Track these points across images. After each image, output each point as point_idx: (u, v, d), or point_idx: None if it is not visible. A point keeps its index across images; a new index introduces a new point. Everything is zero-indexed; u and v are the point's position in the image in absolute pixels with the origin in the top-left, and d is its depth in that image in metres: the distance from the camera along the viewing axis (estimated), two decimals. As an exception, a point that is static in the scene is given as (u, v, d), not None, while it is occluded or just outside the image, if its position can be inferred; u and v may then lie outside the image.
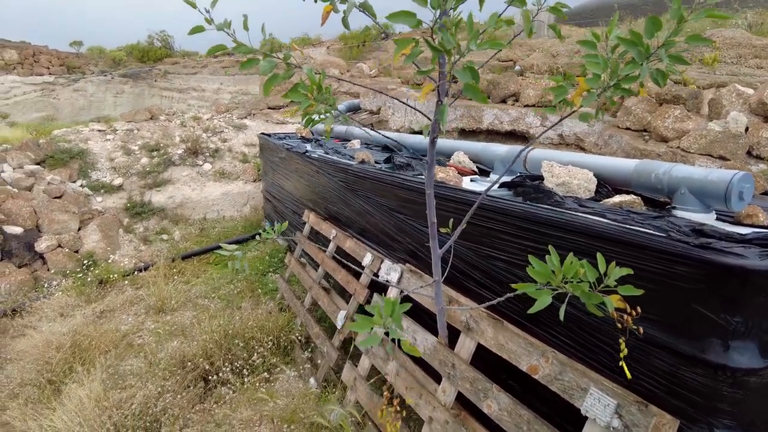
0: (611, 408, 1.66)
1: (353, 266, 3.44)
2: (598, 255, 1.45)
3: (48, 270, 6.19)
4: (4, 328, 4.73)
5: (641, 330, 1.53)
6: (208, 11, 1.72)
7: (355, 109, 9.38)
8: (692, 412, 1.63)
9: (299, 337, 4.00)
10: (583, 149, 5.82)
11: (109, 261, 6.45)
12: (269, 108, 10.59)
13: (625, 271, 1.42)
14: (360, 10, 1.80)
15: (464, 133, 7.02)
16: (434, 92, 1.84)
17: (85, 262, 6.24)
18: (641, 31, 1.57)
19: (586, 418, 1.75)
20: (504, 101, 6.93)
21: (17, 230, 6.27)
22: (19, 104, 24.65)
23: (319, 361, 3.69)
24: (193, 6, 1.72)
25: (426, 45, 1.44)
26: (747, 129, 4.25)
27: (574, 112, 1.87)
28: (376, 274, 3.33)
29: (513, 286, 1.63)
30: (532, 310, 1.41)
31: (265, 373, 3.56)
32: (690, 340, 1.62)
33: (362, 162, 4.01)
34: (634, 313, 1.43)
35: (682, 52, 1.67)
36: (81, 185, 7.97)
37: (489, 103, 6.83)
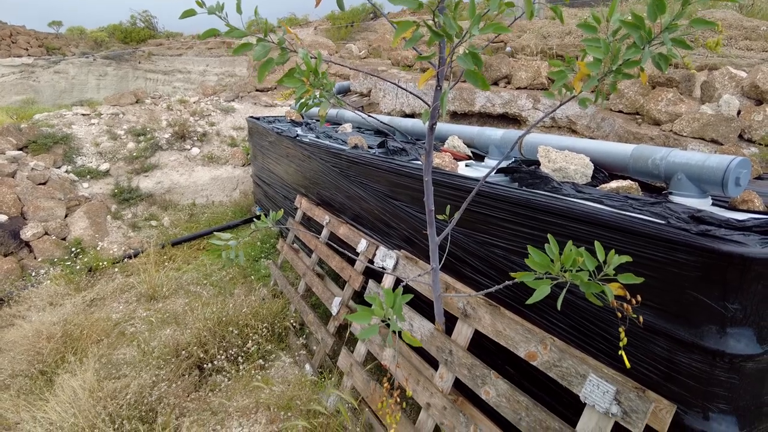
0: (610, 394, 1.67)
1: (347, 252, 3.42)
2: (597, 243, 1.44)
3: (35, 258, 6.08)
4: (-8, 317, 4.66)
5: (641, 319, 1.53)
6: (214, 9, 1.65)
7: (344, 91, 9.25)
8: (689, 397, 1.65)
9: (293, 324, 3.99)
10: (575, 132, 5.81)
11: (98, 248, 6.35)
12: (257, 90, 10.39)
13: (625, 258, 1.41)
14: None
15: (456, 116, 6.97)
16: (433, 78, 1.80)
17: (73, 249, 6.15)
18: (631, 12, 1.54)
19: (584, 404, 1.77)
20: (496, 83, 6.87)
21: (1, 218, 6.14)
22: (-2, 87, 23.96)
23: (314, 348, 3.70)
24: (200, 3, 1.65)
25: (426, 29, 1.40)
26: (739, 112, 4.26)
27: (574, 97, 1.84)
28: (371, 261, 3.31)
29: (512, 275, 1.62)
30: (530, 301, 1.41)
31: (260, 360, 3.55)
32: (688, 327, 1.63)
33: (355, 147, 3.95)
34: (634, 301, 1.42)
35: (685, 36, 1.64)
36: (66, 171, 7.80)
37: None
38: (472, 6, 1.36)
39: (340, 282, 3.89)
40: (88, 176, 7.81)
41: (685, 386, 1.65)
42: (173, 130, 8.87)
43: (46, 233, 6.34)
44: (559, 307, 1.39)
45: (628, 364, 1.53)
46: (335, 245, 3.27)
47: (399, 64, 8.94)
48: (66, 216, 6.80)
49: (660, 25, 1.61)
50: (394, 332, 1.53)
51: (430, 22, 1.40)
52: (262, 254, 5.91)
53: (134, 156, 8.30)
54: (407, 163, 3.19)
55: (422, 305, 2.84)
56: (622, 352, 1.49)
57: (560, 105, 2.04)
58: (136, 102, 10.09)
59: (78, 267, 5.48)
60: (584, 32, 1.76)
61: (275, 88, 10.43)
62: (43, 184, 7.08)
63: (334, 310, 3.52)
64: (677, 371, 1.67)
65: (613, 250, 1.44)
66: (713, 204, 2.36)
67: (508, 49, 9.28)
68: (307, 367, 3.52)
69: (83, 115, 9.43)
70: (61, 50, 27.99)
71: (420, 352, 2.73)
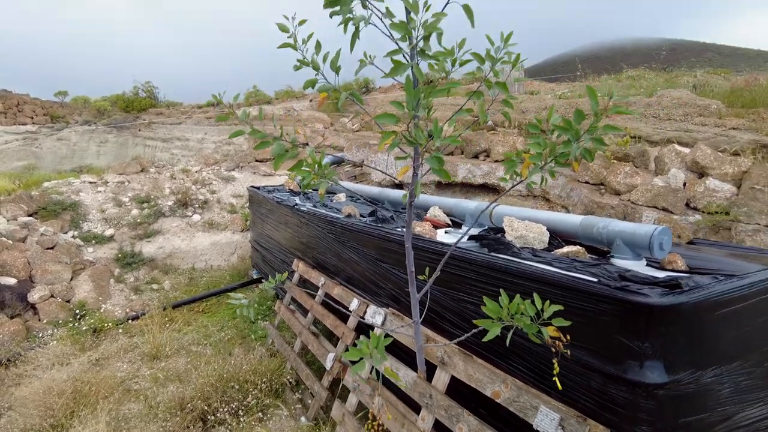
0: (556, 421, 2.05)
1: (341, 310, 3.80)
2: (535, 295, 1.89)
3: (39, 320, 6.34)
4: (-1, 377, 4.88)
5: (569, 352, 1.95)
6: (242, 117, 2.20)
7: (339, 162, 9.95)
8: (619, 422, 2.03)
9: (290, 380, 4.28)
10: (548, 201, 6.39)
11: (101, 310, 6.63)
12: (257, 161, 11.10)
13: (556, 307, 1.85)
14: (350, 98, 2.31)
15: (441, 186, 7.58)
16: (412, 168, 2.31)
17: (77, 311, 6.43)
18: (561, 118, 2.08)
19: (537, 431, 2.13)
20: (476, 156, 7.56)
21: (11, 281, 6.45)
22: (0, 153, 24.76)
23: (309, 402, 3.97)
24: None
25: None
26: (685, 184, 4.86)
27: (522, 182, 2.35)
28: (362, 318, 3.70)
29: (474, 321, 2.04)
30: (485, 339, 1.83)
31: (259, 413, 3.82)
32: (615, 363, 2.04)
33: (349, 215, 4.45)
34: (564, 340, 1.85)
35: (603, 135, 2.17)
36: (72, 236, 8.20)
37: (462, 159, 7.45)
38: (435, 125, 1.89)
39: (334, 339, 4.23)
40: (93, 241, 8.21)
41: (617, 413, 2.04)
42: (176, 198, 9.40)
43: (52, 296, 6.63)
44: (507, 344, 1.82)
45: (560, 387, 1.93)
46: (330, 304, 3.66)
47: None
48: (71, 279, 7.13)
49: (585, 126, 2.15)
50: (378, 373, 1.92)
51: (406, 134, 1.93)
52: (259, 316, 6.22)
53: (138, 222, 8.76)
54: (394, 230, 3.67)
55: (407, 357, 3.20)
56: (555, 379, 1.89)
57: (511, 188, 2.56)
58: (141, 171, 10.70)
59: (84, 328, 5.74)
60: (530, 130, 2.30)
61: (273, 159, 11.11)
62: (51, 248, 7.46)
63: (328, 365, 3.85)
64: (610, 401, 2.06)
65: (548, 301, 1.89)
66: (648, 265, 2.83)
67: (489, 122, 10.15)
68: (303, 419, 3.79)
69: (90, 182, 9.98)
70: (65, 118, 29.06)
71: (405, 400, 3.06)
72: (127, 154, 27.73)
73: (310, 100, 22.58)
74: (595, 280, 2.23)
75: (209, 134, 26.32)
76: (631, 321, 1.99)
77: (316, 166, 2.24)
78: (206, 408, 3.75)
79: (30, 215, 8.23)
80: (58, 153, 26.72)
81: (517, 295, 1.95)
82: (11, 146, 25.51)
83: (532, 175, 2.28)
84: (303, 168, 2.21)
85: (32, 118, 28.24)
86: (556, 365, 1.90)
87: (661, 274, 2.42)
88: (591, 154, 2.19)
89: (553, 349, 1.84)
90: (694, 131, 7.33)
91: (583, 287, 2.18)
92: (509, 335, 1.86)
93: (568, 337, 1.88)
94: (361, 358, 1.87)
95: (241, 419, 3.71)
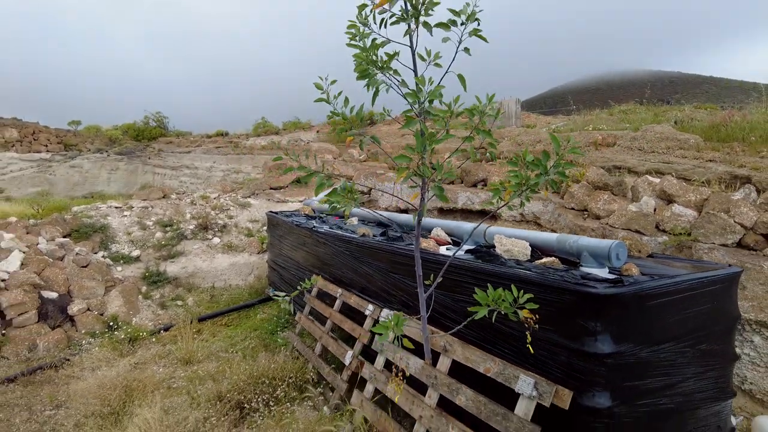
0: (531, 385, 2.70)
1: (357, 316, 4.44)
2: (512, 286, 2.57)
3: (77, 331, 6.97)
4: (50, 378, 5.50)
5: (537, 326, 2.63)
6: (293, 156, 2.92)
7: (347, 190, 10.73)
8: (580, 386, 2.68)
9: (312, 377, 4.90)
10: (539, 225, 7.10)
11: (132, 323, 7.27)
12: (271, 188, 11.89)
13: (528, 296, 2.54)
14: (371, 141, 3.05)
15: (443, 211, 8.30)
16: (419, 194, 3.03)
17: (111, 323, 7.07)
18: (533, 156, 2.79)
19: (518, 395, 2.78)
20: (475, 185, 8.31)
21: (53, 295, 7.12)
22: (16, 180, 25.69)
23: (329, 395, 4.59)
24: (279, 157, 2.92)
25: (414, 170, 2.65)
26: (655, 209, 5.57)
27: (504, 204, 3.06)
28: (376, 321, 4.36)
29: (469, 309, 2.72)
30: (476, 317, 2.51)
31: (287, 404, 4.43)
32: (575, 340, 2.71)
33: (363, 235, 5.16)
34: (534, 318, 2.53)
35: (566, 169, 2.88)
36: (103, 256, 8.90)
37: (462, 188, 8.21)
38: (438, 165, 2.62)
39: (351, 342, 4.87)
40: (121, 261, 8.90)
41: (579, 379, 2.69)
42: (197, 222, 10.13)
43: (89, 309, 7.28)
44: (493, 320, 2.49)
45: (532, 351, 2.60)
46: (346, 312, 4.32)
47: (394, 169, 10.50)
48: (104, 294, 7.79)
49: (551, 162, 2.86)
50: (397, 338, 2.60)
51: (416, 169, 2.66)
52: (278, 328, 6.85)
53: (162, 244, 9.46)
54: (404, 247, 4.37)
55: (415, 351, 3.85)
56: (529, 346, 2.56)
57: (497, 210, 3.27)
58: (163, 197, 11.47)
59: (122, 336, 6.38)
60: (509, 166, 3.02)
61: (287, 186, 11.93)
62: (86, 266, 8.15)
63: (347, 362, 4.48)
64: (574, 369, 2.71)
65: (522, 290, 2.57)
66: (609, 272, 3.51)
67: (487, 154, 10.96)
68: (325, 409, 4.41)
69: (116, 207, 10.74)
70: (78, 147, 30.06)
71: (413, 385, 3.69)
72: (136, 181, 28.73)
73: (317, 132, 23.57)
74: (561, 279, 2.92)
75: (217, 163, 27.23)
76: (585, 307, 2.67)
77: (349, 192, 2.97)
78: (242, 399, 4.37)
79: (65, 237, 8.95)
80: (70, 180, 27.66)
81: (501, 288, 2.64)
82: (26, 173, 26.49)
83: (512, 199, 3.00)
84: (338, 193, 2.93)
85: (47, 146, 29.27)
86: (528, 336, 2.57)
87: (613, 277, 3.11)
88: (556, 184, 2.91)
89: (526, 325, 2.52)
90: (674, 163, 8.09)
91: (552, 283, 2.87)
92: (494, 315, 2.54)
93: (537, 317, 2.56)
94: (381, 333, 2.55)
95: (272, 408, 4.32)
